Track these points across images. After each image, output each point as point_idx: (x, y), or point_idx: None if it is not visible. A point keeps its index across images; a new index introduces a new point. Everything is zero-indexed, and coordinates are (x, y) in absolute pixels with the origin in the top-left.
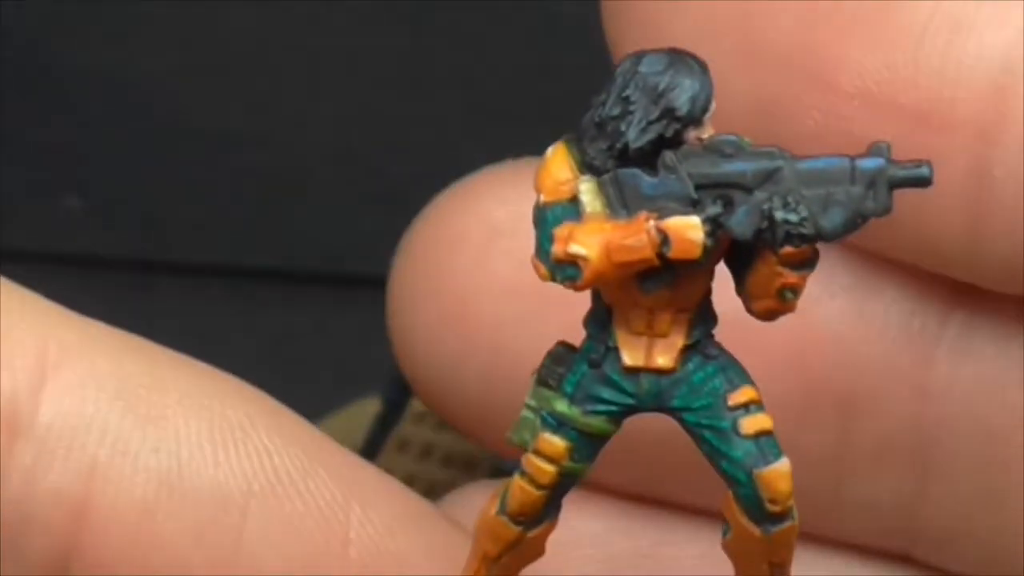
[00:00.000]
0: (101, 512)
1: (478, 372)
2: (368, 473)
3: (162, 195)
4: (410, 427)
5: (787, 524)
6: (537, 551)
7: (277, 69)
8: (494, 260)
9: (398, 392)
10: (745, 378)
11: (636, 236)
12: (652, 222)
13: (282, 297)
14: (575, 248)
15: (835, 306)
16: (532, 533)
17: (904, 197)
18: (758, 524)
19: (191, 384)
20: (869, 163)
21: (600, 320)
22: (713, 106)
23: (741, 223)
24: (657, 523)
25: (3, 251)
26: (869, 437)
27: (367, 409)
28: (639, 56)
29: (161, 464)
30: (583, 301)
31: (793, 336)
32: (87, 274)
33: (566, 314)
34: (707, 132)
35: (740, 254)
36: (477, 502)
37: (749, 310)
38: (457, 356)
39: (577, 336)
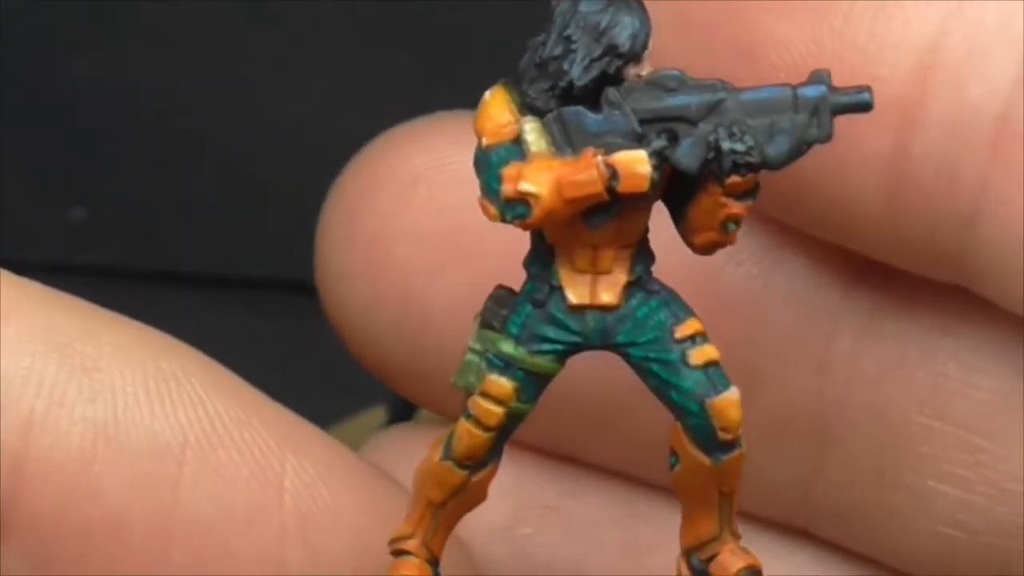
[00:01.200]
0: (39, 463)
1: (388, 316)
2: (300, 424)
3: (168, 207)
4: None
5: (736, 452)
6: (481, 495)
7: (286, 84)
8: (412, 206)
9: (403, 402)
10: (689, 311)
11: (586, 172)
12: (600, 157)
13: (287, 308)
14: (525, 186)
15: (740, 273)
16: (477, 477)
17: (824, 172)
18: (708, 453)
19: (124, 338)
20: (811, 91)
21: (542, 260)
22: (651, 43)
23: (688, 155)
24: (564, 477)
25: (9, 262)
26: (768, 410)
27: (373, 419)
28: None
29: (97, 415)
30: (495, 251)
31: (696, 302)
32: (93, 285)
33: (477, 263)
34: (646, 69)
35: (679, 189)
36: (397, 448)
37: (689, 243)
38: (370, 299)
39: (488, 287)
